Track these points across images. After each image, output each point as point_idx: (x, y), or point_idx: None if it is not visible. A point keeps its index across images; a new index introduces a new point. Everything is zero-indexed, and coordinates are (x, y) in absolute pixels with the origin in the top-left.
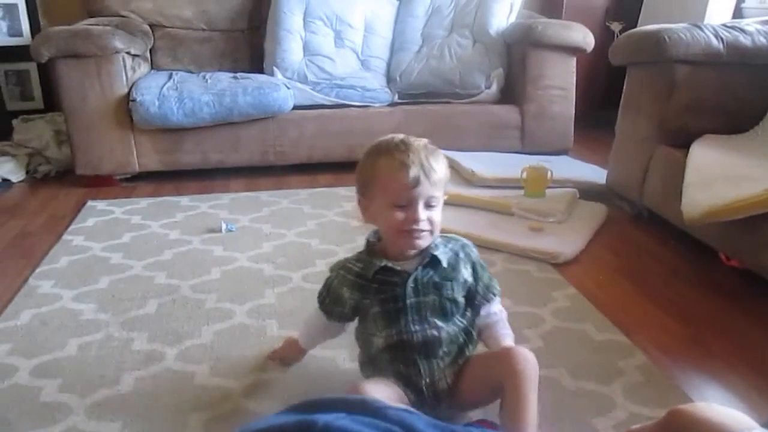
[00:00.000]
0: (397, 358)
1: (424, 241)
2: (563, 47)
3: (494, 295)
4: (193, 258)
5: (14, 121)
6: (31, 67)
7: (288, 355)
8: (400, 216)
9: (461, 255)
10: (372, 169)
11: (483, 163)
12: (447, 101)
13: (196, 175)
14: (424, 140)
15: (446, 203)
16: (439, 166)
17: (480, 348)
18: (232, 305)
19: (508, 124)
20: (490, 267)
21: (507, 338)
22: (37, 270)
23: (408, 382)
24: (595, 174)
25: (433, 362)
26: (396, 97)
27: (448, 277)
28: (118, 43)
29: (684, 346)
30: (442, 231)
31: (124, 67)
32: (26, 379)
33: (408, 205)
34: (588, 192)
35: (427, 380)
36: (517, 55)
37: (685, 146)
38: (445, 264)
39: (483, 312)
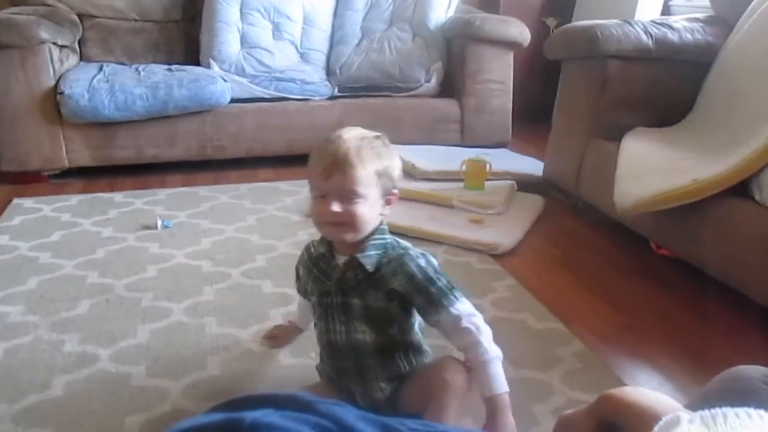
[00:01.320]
0: (331, 357)
1: (345, 234)
2: (501, 42)
3: (444, 308)
4: (127, 256)
5: None
6: None
7: (282, 334)
8: (317, 206)
9: (394, 265)
10: (309, 159)
11: (424, 157)
12: (387, 95)
13: (130, 170)
14: (368, 135)
15: None
16: (364, 162)
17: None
18: (169, 303)
19: (448, 118)
20: None
21: (490, 383)
22: None
23: (342, 388)
24: (532, 166)
25: (363, 371)
26: (336, 90)
27: (374, 284)
28: (44, 33)
29: (619, 333)
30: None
31: (51, 58)
32: None
33: (324, 196)
34: (526, 184)
35: (360, 389)
36: (456, 49)
37: (618, 139)
38: (370, 269)
39: (434, 322)
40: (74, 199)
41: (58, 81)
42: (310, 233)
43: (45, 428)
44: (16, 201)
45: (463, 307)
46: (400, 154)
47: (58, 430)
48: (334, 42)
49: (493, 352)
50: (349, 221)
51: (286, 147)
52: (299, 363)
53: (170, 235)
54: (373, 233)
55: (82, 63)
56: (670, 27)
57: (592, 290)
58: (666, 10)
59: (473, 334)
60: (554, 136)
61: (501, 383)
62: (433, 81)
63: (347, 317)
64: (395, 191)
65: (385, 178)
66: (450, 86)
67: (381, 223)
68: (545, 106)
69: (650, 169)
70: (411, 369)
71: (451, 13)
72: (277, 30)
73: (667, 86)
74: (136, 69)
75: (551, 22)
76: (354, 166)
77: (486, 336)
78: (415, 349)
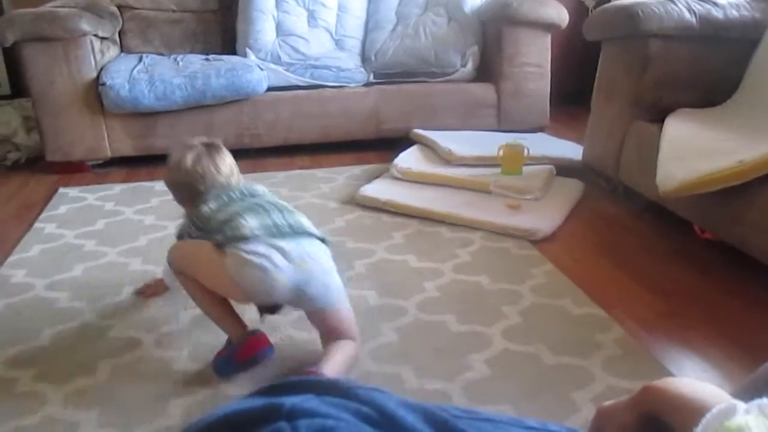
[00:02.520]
0: None
1: None
2: (538, 24)
3: None
4: (168, 243)
5: None
6: None
7: (155, 289)
8: None
9: None
10: None
11: (460, 142)
12: (423, 80)
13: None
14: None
15: (424, 183)
16: None
17: None
18: None
19: (484, 103)
20: (468, 245)
21: None
22: (9, 259)
23: None
24: (571, 150)
25: None
26: (371, 76)
27: None
28: (86, 26)
29: (661, 319)
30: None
31: (92, 50)
32: (1, 370)
33: None
34: (565, 169)
35: None
36: (492, 33)
37: (660, 121)
38: None
39: None
40: (117, 188)
41: (99, 72)
42: (347, 219)
43: (92, 410)
44: (61, 190)
45: None
46: (437, 140)
47: (104, 412)
48: (368, 28)
49: None
50: None
51: (321, 134)
52: None
53: None
54: None
55: (122, 54)
56: (715, 3)
57: (633, 275)
58: None
59: None
60: (593, 119)
61: None
62: (469, 65)
63: None
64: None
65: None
66: (486, 70)
67: None
68: (584, 88)
69: (694, 150)
70: None
71: None
72: (312, 17)
73: (712, 65)
74: (175, 59)
75: (590, 2)
76: None
77: None
78: None
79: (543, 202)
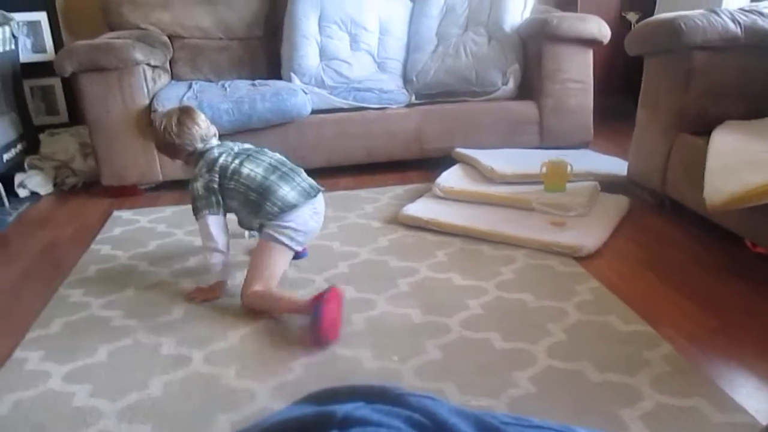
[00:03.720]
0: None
1: None
2: (579, 40)
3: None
4: None
5: (41, 136)
6: (56, 82)
7: (214, 292)
8: None
9: None
10: None
11: (502, 160)
12: (464, 99)
13: None
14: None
15: (466, 201)
16: None
17: None
18: None
19: (526, 120)
20: (511, 263)
21: None
22: (67, 279)
23: None
24: (616, 166)
25: None
26: (413, 97)
27: None
28: (139, 55)
29: (710, 335)
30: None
31: (145, 78)
32: (59, 385)
33: None
34: (609, 184)
35: None
36: (533, 51)
37: (706, 133)
38: None
39: None
40: (168, 211)
41: (151, 99)
42: (390, 239)
43: (145, 425)
44: (116, 213)
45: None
46: (479, 158)
47: (157, 426)
48: (410, 49)
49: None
50: None
51: (365, 155)
52: (382, 366)
53: (256, 243)
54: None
55: (172, 81)
56: (760, 13)
57: (680, 291)
58: None
59: None
60: (638, 133)
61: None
62: (511, 84)
63: None
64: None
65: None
66: (528, 87)
67: None
68: (628, 103)
69: (742, 163)
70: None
71: (527, 14)
72: (354, 41)
73: (759, 75)
74: (222, 85)
75: (632, 16)
76: None
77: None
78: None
79: (587, 219)
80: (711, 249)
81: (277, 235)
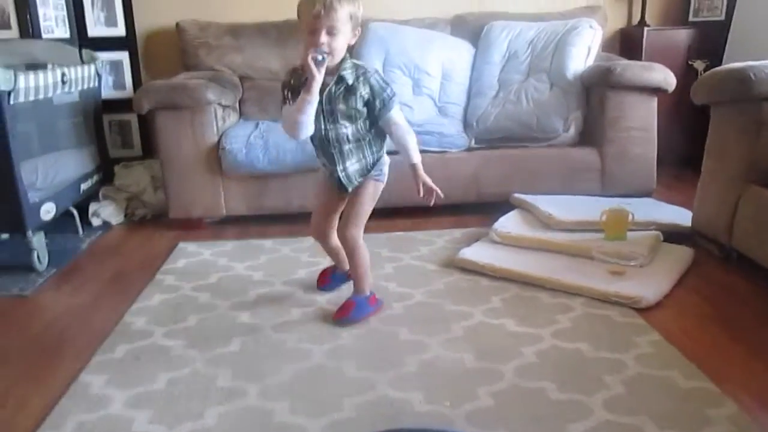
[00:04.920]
0: (322, 148)
1: (329, 56)
2: (643, 88)
3: (389, 109)
4: (275, 299)
5: (116, 167)
6: (132, 118)
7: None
8: (309, 39)
9: (362, 78)
10: (299, 6)
11: (561, 207)
12: (524, 145)
13: (279, 219)
14: None
15: (523, 247)
16: (342, 6)
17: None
18: (311, 345)
19: (587, 167)
20: (568, 311)
21: (411, 154)
22: (132, 307)
23: (330, 166)
24: (679, 216)
25: (344, 153)
26: (473, 142)
27: (351, 91)
28: (211, 95)
29: None
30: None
31: (215, 117)
32: (120, 409)
33: (313, 32)
34: (673, 235)
35: (341, 166)
36: (595, 98)
37: None
38: (350, 82)
39: (383, 120)
40: (230, 245)
41: (220, 137)
42: (445, 282)
43: None
44: (181, 245)
45: (396, 113)
46: (538, 204)
47: None
48: (471, 94)
49: (411, 139)
50: (329, 51)
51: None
52: (434, 410)
53: (313, 281)
54: (343, 59)
55: (241, 120)
56: None
57: (748, 348)
58: None
59: (401, 129)
60: (704, 183)
61: (414, 155)
62: (572, 130)
63: (333, 118)
64: (359, 28)
65: (354, 19)
66: (589, 134)
67: (347, 53)
68: (693, 151)
69: None
70: (372, 160)
71: (590, 61)
72: (416, 86)
73: None
74: None
75: (699, 65)
76: (337, 10)
77: (409, 130)
78: (376, 139)
79: (649, 269)
80: None
81: (384, 173)
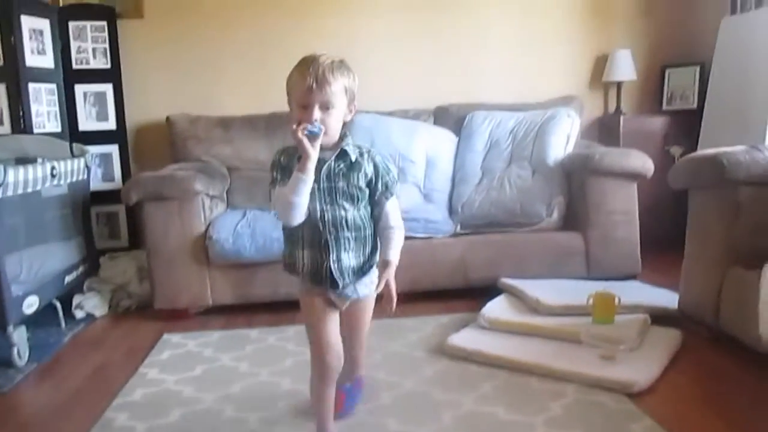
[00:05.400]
0: (311, 237)
1: (324, 133)
2: (623, 174)
3: (391, 194)
4: (261, 390)
5: (101, 259)
6: (120, 209)
7: None
8: (301, 116)
9: (366, 155)
10: (288, 79)
11: (548, 291)
12: (509, 230)
13: (266, 307)
14: (337, 58)
15: (512, 332)
16: (336, 79)
17: None
18: None
19: (572, 251)
20: (560, 398)
21: (390, 251)
22: (114, 402)
23: (318, 259)
24: (666, 298)
25: (340, 241)
26: (458, 227)
27: (355, 167)
28: (199, 186)
29: None
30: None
31: (203, 207)
32: None
33: (305, 107)
34: (660, 317)
35: (334, 256)
36: (577, 183)
37: (759, 267)
38: (353, 157)
39: (382, 206)
40: (216, 335)
41: (207, 227)
42: (435, 369)
43: None
44: (165, 336)
45: (395, 202)
46: (524, 289)
47: None
48: (455, 182)
49: (398, 236)
50: (324, 127)
51: (410, 284)
52: None
53: (299, 370)
54: (344, 136)
55: (228, 210)
56: None
57: (741, 430)
58: None
59: (399, 218)
60: (687, 265)
61: (392, 253)
62: (555, 215)
63: (331, 197)
64: (355, 103)
65: (349, 93)
66: (573, 219)
67: (346, 129)
68: (677, 234)
69: None
70: (373, 261)
71: (570, 149)
72: (402, 173)
73: None
74: (275, 214)
75: (675, 150)
76: (331, 84)
77: (401, 226)
78: (376, 240)
79: (638, 353)
80: None
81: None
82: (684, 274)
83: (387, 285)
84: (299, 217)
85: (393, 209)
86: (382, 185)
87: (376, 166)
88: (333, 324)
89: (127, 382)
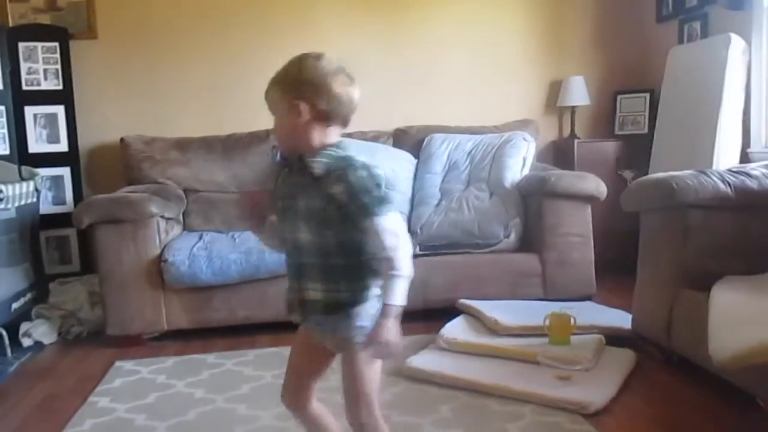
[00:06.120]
0: (288, 255)
1: (279, 144)
2: (577, 196)
3: (370, 216)
4: (216, 417)
5: (51, 285)
6: (71, 233)
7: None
8: None
9: (336, 173)
10: None
11: (506, 312)
12: (467, 251)
13: (223, 331)
14: (290, 61)
15: (471, 353)
16: (272, 85)
17: None
18: None
19: (529, 272)
20: (518, 419)
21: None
22: None
23: (289, 284)
24: (620, 319)
25: (305, 268)
26: (417, 248)
27: (315, 186)
28: (154, 209)
29: None
30: None
31: (158, 230)
32: None
33: None
34: (615, 338)
35: (296, 284)
36: (533, 205)
37: (708, 288)
38: (315, 173)
39: (369, 232)
40: (170, 361)
41: (162, 250)
42: (393, 392)
43: None
44: (117, 363)
45: (387, 222)
46: (483, 309)
47: None
48: (414, 203)
49: (402, 271)
50: (276, 133)
51: None
52: None
53: (257, 396)
54: (327, 146)
55: (184, 232)
56: (748, 174)
57: None
58: (744, 158)
59: (387, 248)
60: (640, 287)
61: (395, 297)
62: (512, 236)
63: (287, 217)
64: (302, 103)
65: (291, 91)
66: (529, 241)
67: (339, 141)
68: (630, 256)
69: (745, 319)
70: (349, 292)
71: (526, 171)
72: None
73: (754, 233)
74: (232, 236)
75: (627, 174)
76: (268, 92)
77: (401, 253)
78: (351, 252)
79: (594, 373)
80: (724, 407)
81: (365, 326)
82: (637, 296)
83: (382, 333)
84: (278, 250)
85: (379, 234)
86: (356, 209)
87: (349, 186)
88: (297, 358)
89: (76, 411)
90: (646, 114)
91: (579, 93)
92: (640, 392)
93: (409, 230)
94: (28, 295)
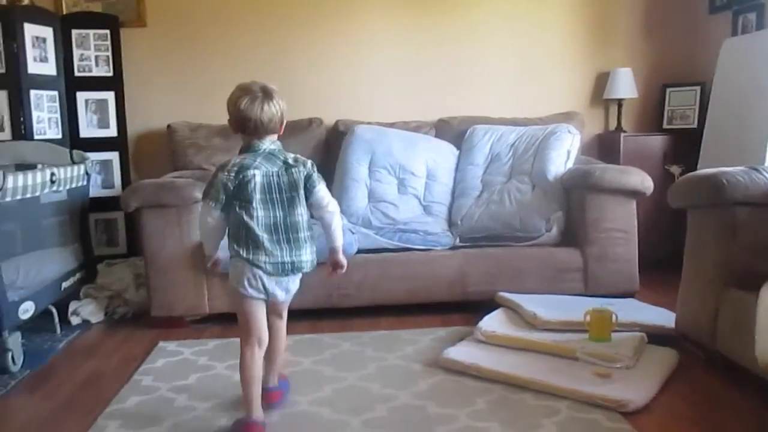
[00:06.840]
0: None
1: None
2: (622, 191)
3: (316, 186)
4: None
5: (99, 266)
6: (119, 216)
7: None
8: None
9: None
10: None
11: (545, 306)
12: (508, 244)
13: None
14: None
15: (508, 347)
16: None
17: None
18: None
19: (570, 267)
20: (554, 415)
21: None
22: (106, 410)
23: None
24: (663, 317)
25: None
26: (457, 240)
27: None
28: (198, 194)
29: None
30: None
31: None
32: None
33: None
34: (657, 336)
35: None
36: (576, 199)
37: (756, 289)
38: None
39: (313, 198)
40: (211, 344)
41: None
42: (430, 383)
43: None
44: (161, 344)
45: (323, 191)
46: (522, 303)
47: None
48: (455, 194)
49: (336, 222)
50: None
51: (407, 296)
52: None
53: (295, 381)
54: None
55: None
56: None
57: None
58: None
59: (324, 208)
60: (685, 285)
61: (335, 239)
62: (554, 230)
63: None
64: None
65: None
66: (571, 235)
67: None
68: (676, 253)
69: None
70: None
71: (570, 164)
72: (402, 185)
73: None
74: None
75: (675, 169)
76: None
77: (335, 210)
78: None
79: (634, 372)
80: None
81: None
82: (681, 294)
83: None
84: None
85: (321, 201)
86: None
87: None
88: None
89: (120, 389)
90: (696, 108)
91: (626, 85)
92: (681, 393)
93: (449, 222)
94: (77, 275)
